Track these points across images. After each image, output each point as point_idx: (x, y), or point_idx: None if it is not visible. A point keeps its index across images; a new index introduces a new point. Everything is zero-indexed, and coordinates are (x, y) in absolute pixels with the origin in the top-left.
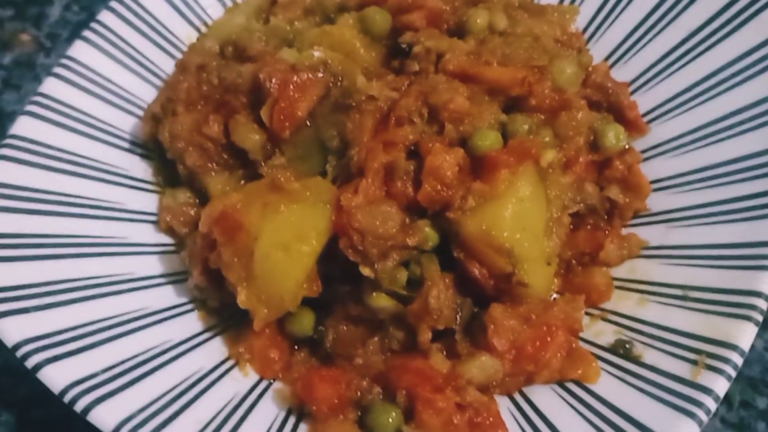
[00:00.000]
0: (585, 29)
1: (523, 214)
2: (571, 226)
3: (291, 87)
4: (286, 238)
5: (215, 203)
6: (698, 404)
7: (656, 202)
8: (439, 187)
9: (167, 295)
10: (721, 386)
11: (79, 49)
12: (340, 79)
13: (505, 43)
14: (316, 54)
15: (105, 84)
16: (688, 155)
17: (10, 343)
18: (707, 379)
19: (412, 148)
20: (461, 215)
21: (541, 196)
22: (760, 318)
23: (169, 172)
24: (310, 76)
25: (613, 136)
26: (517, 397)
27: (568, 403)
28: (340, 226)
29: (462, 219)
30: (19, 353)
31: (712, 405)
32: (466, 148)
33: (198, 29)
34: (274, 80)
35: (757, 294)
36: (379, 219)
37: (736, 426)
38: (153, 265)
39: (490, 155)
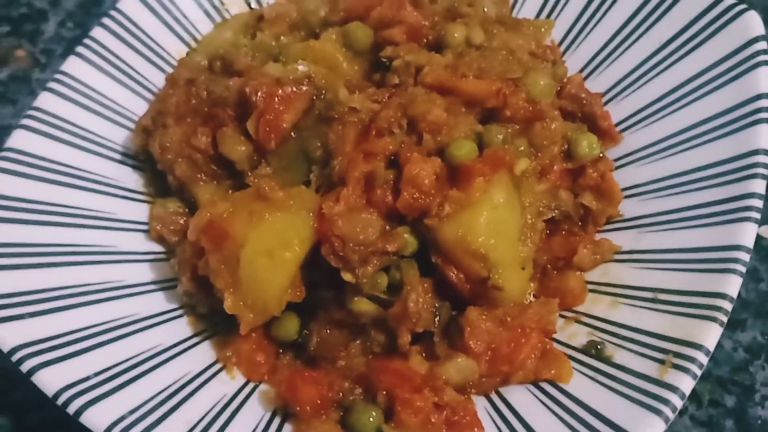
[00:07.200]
0: (561, 42)
1: (497, 221)
2: (547, 232)
3: (276, 100)
4: (270, 245)
5: (203, 212)
6: (665, 402)
7: (628, 208)
8: (417, 194)
9: (157, 302)
10: (686, 384)
11: (72, 65)
12: (323, 92)
13: (482, 56)
14: (301, 68)
15: (97, 98)
16: (658, 163)
17: (6, 348)
18: (673, 377)
19: (392, 157)
20: (438, 222)
21: (515, 203)
22: (725, 319)
23: (159, 183)
24: (294, 89)
25: (587, 145)
26: (494, 396)
27: (542, 402)
28: (322, 232)
29: (439, 225)
30: (15, 358)
31: (678, 402)
32: (443, 157)
33: (188, 44)
34: (259, 93)
35: (722, 296)
36: (359, 226)
37: (705, 424)
38: (143, 273)
39: (466, 164)
